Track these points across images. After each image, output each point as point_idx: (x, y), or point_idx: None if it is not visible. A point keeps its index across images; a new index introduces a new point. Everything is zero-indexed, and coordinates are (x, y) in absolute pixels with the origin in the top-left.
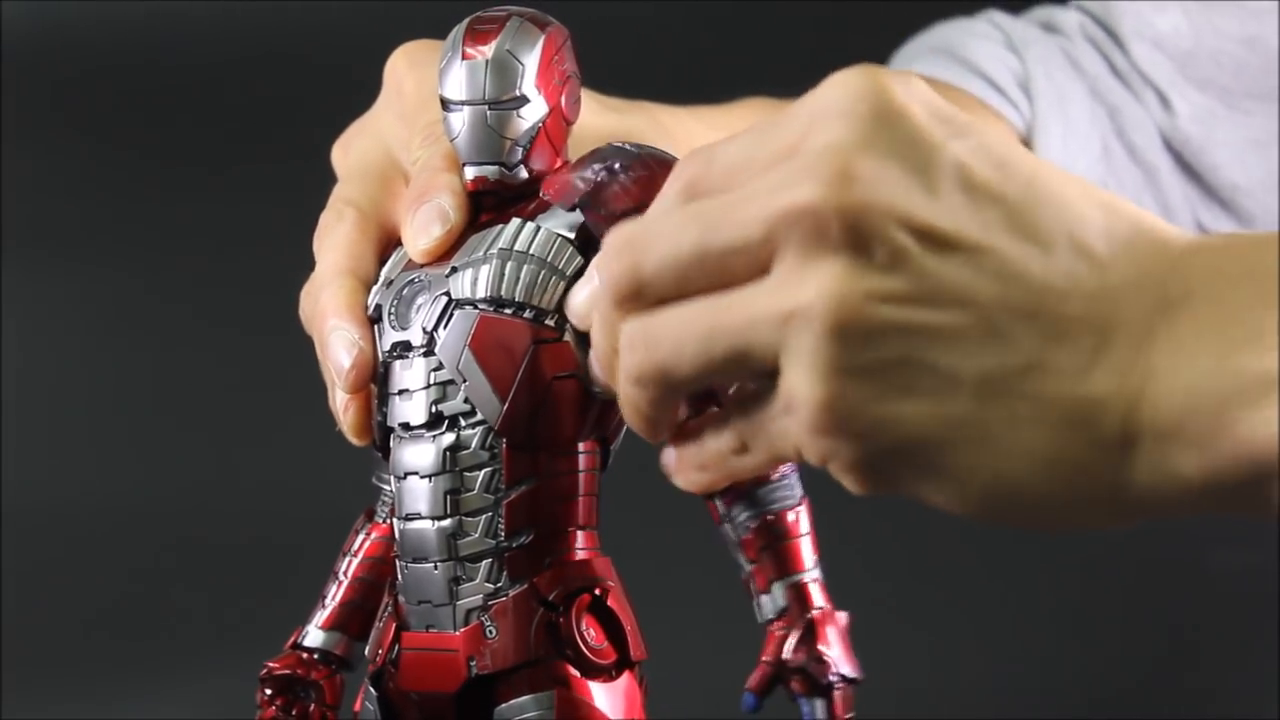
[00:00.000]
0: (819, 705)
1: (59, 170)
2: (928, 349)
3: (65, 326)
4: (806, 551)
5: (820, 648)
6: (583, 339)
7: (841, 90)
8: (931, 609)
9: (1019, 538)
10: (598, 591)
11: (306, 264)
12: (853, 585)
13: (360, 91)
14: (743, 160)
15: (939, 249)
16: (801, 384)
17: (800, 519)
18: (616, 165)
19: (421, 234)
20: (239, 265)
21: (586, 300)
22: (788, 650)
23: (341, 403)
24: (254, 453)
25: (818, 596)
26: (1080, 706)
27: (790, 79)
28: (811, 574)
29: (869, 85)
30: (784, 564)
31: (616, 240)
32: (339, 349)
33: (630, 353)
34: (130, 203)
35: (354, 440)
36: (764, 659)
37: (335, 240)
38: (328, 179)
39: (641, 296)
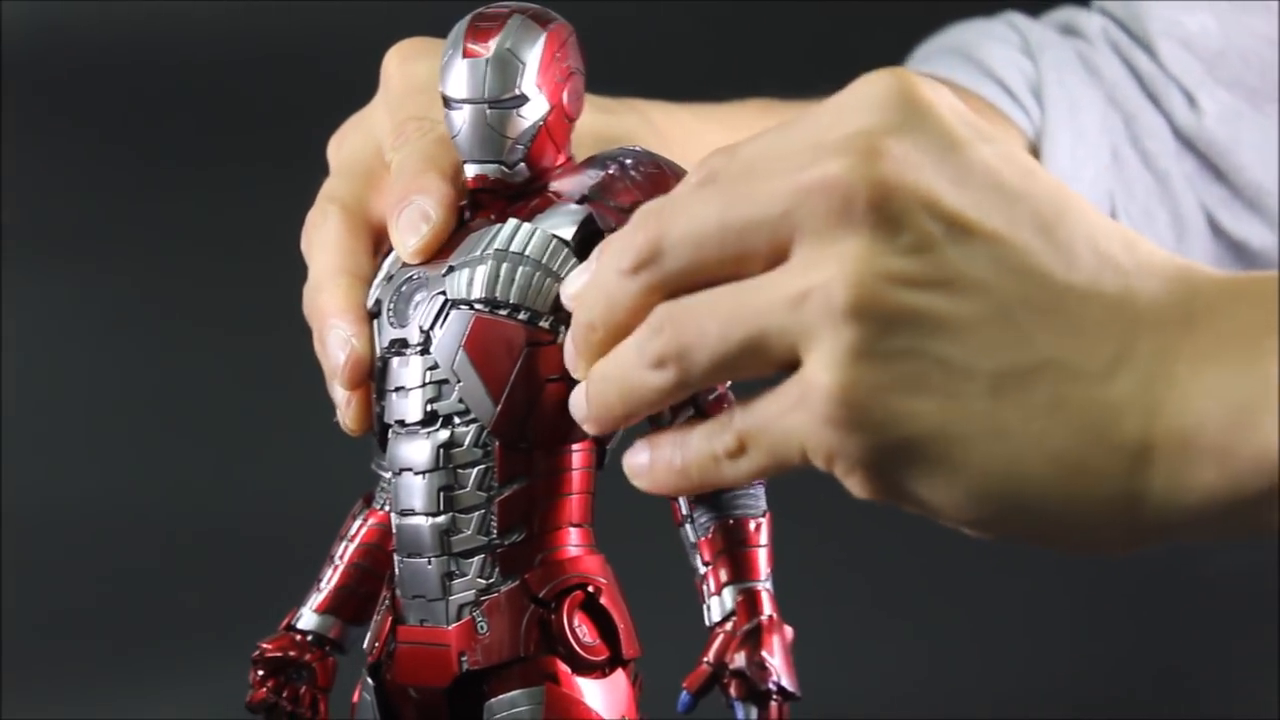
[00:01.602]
0: (753, 711)
1: (59, 170)
2: (945, 340)
3: (64, 326)
4: (763, 562)
5: (763, 654)
6: None
7: (871, 87)
8: (929, 610)
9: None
10: (590, 589)
11: (304, 264)
12: (849, 585)
13: (360, 92)
14: (767, 152)
15: (963, 238)
16: (819, 370)
17: (761, 530)
18: (627, 161)
19: (409, 235)
20: (238, 265)
21: (584, 283)
22: (729, 653)
23: (342, 399)
24: (254, 452)
25: (768, 606)
26: (1079, 707)
27: (801, 79)
28: (764, 584)
29: (898, 83)
30: (739, 569)
31: (641, 212)
32: (335, 347)
33: (656, 334)
34: (130, 203)
35: (355, 434)
36: (704, 659)
37: (324, 239)
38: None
39: (658, 265)
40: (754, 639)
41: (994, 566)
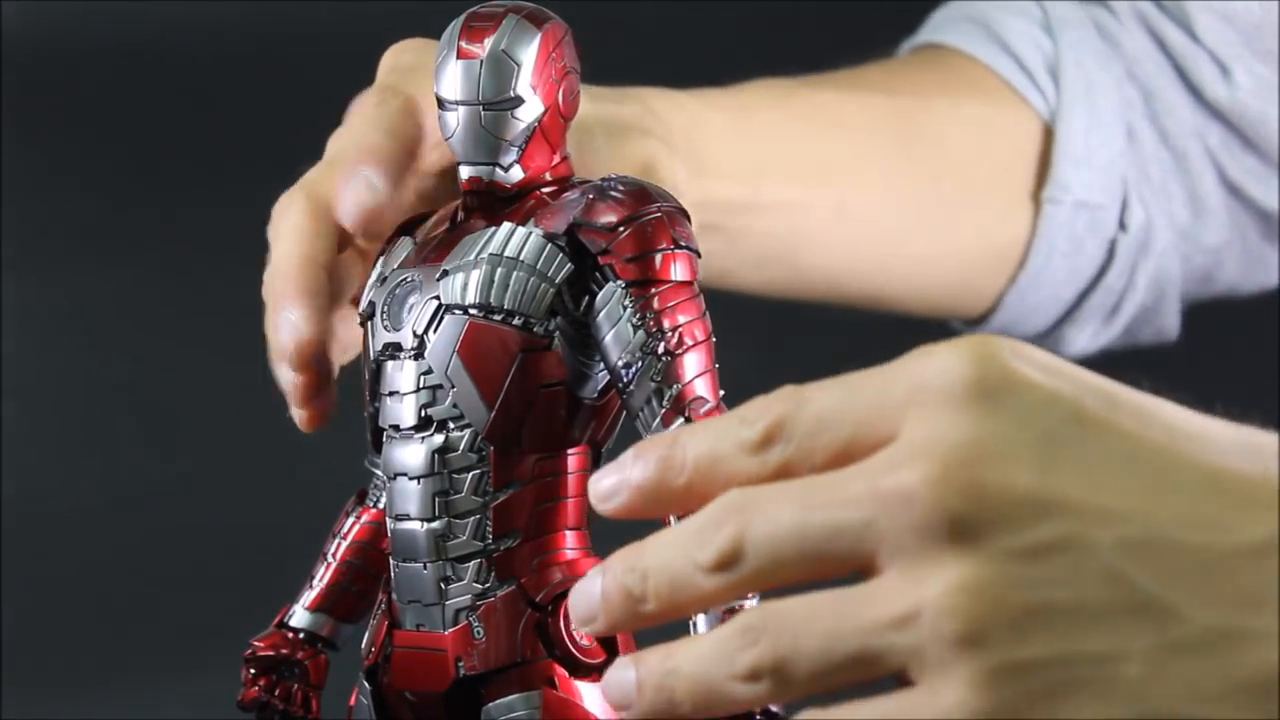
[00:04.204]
0: None
1: (59, 170)
2: (1077, 634)
3: (63, 326)
4: None
5: None
6: (573, 345)
7: (951, 366)
8: None
9: None
10: None
11: None
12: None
13: (360, 92)
14: (835, 410)
15: (1068, 529)
16: (950, 695)
17: None
18: (604, 184)
19: (350, 205)
20: (238, 265)
21: (612, 484)
22: None
23: (289, 381)
24: (254, 452)
25: None
26: None
27: (809, 56)
28: (752, 602)
29: (981, 365)
30: None
31: (722, 505)
32: (283, 330)
33: (750, 645)
34: (129, 203)
35: (302, 426)
36: None
37: (286, 228)
38: None
39: (739, 566)
40: None
41: None
